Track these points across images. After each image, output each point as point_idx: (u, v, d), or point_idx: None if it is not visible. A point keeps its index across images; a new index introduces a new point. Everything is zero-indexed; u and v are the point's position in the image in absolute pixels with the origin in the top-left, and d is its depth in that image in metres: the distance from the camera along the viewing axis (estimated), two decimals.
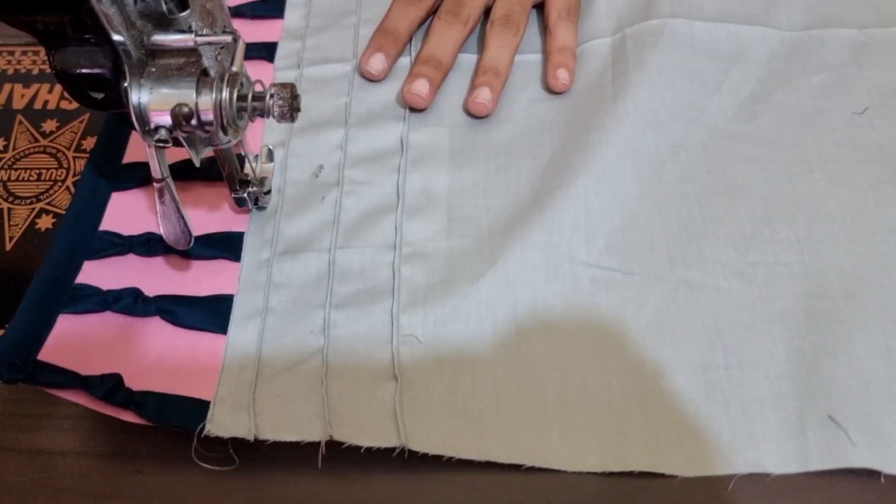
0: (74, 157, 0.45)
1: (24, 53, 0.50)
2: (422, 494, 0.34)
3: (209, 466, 0.34)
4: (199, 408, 0.34)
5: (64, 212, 0.42)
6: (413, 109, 0.44)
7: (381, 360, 0.36)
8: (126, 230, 0.40)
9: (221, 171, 0.38)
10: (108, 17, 0.28)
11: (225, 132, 0.32)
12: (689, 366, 0.35)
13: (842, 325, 0.36)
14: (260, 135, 0.44)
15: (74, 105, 0.46)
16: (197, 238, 0.36)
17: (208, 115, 0.31)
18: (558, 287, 0.37)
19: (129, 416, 0.35)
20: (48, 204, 0.43)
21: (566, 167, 0.41)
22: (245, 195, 0.39)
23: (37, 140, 0.46)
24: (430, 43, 0.45)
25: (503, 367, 0.35)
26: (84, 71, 0.30)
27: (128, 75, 0.30)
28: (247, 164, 0.39)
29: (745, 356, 0.35)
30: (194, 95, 0.30)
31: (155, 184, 0.33)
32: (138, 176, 0.42)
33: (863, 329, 0.36)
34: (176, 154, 0.35)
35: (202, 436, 0.34)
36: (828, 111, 0.43)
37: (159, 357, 0.36)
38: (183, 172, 0.39)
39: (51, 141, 0.46)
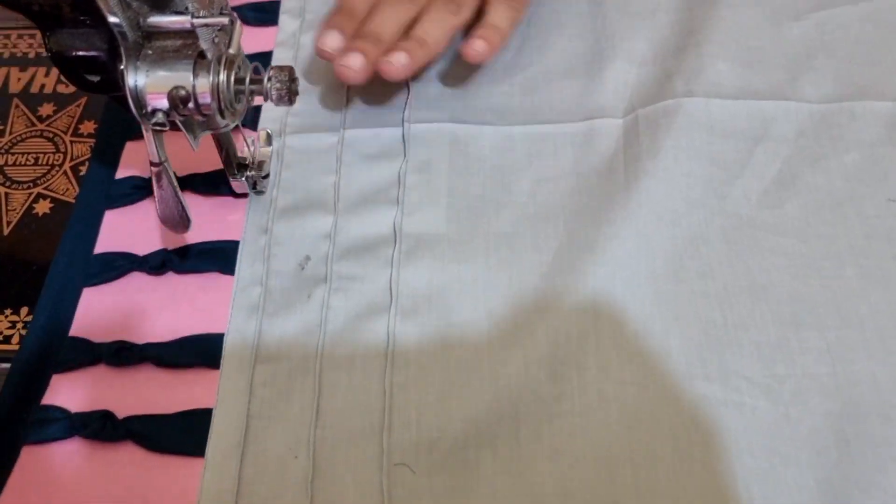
0: (72, 142, 0.45)
1: (20, 36, 0.49)
2: None
3: None
4: None
5: (62, 196, 0.42)
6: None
7: (370, 491, 0.33)
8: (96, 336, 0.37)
9: (219, 155, 0.38)
10: None
11: (223, 115, 0.32)
12: (706, 494, 0.32)
13: (875, 452, 0.33)
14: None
15: (71, 89, 0.46)
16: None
17: (206, 98, 0.30)
18: (565, 407, 0.34)
19: None
20: (46, 189, 0.43)
21: (573, 269, 0.38)
22: (243, 179, 0.39)
23: (34, 124, 0.46)
24: (373, 19, 0.40)
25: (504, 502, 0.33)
26: (80, 53, 0.30)
27: (124, 58, 0.30)
28: (245, 148, 0.39)
29: (768, 490, 0.32)
30: (191, 78, 0.30)
31: (152, 168, 0.33)
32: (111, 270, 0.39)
33: None
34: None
35: None
36: (860, 196, 0.39)
37: (130, 488, 0.34)
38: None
39: (48, 125, 0.45)
